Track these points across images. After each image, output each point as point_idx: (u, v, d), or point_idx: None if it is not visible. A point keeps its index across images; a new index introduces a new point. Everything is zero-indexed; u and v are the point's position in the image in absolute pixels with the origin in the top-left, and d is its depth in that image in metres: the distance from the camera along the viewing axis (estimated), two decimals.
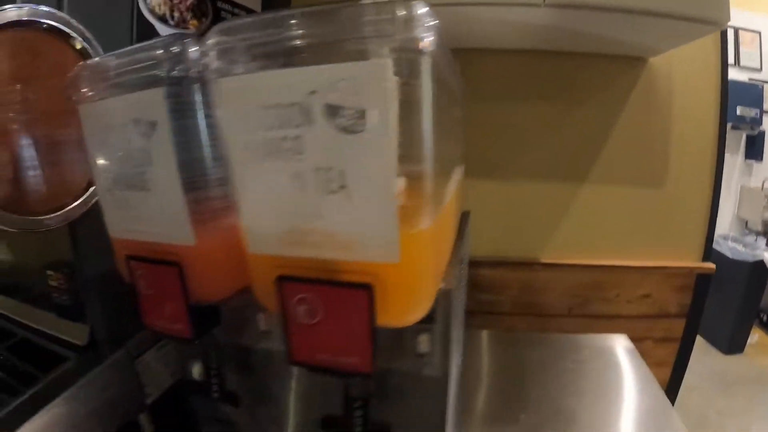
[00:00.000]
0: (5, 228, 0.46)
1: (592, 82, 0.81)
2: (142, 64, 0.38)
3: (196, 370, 0.52)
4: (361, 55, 0.30)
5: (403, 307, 0.36)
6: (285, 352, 0.38)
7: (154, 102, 0.37)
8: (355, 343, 0.36)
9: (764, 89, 2.08)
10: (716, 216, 0.78)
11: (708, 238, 0.78)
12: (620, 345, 0.73)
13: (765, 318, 2.14)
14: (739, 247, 1.88)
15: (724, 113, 0.74)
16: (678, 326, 0.82)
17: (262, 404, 0.53)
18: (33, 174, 0.49)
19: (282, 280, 0.36)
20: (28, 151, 0.48)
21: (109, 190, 0.43)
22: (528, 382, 0.65)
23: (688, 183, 0.80)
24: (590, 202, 0.86)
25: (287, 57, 0.32)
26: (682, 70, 0.79)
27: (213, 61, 0.34)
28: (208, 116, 0.38)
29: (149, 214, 0.41)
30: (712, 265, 0.79)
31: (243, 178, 0.34)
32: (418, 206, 0.33)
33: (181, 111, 0.37)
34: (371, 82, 0.30)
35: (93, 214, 0.52)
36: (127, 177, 0.41)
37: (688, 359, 0.83)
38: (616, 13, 0.64)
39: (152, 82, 0.37)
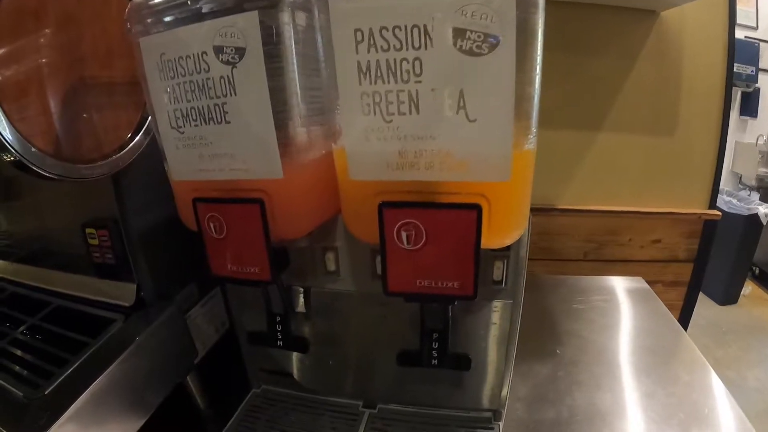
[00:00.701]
0: (52, 176, 0.44)
1: (606, 33, 0.84)
2: None
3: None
4: None
5: (506, 228, 0.39)
6: (382, 283, 0.40)
7: (246, 27, 0.36)
8: (459, 266, 0.38)
9: (760, 47, 2.19)
10: (722, 165, 0.86)
11: (714, 186, 0.87)
12: (637, 286, 0.81)
13: (757, 271, 2.30)
14: (734, 201, 1.98)
15: (731, 68, 0.82)
16: (686, 270, 0.91)
17: (326, 350, 0.54)
18: (77, 121, 0.46)
19: (385, 206, 0.37)
20: (71, 97, 0.46)
21: (176, 127, 0.42)
22: (557, 320, 0.71)
23: (696, 133, 0.88)
24: (604, 150, 0.91)
25: None
26: (691, 24, 0.84)
27: None
28: (297, 43, 0.38)
29: (229, 149, 0.40)
30: (718, 212, 0.88)
31: (351, 102, 0.35)
32: (527, 127, 0.36)
33: (273, 36, 0.37)
34: (502, 8, 0.31)
35: (138, 165, 0.50)
36: (203, 110, 0.40)
37: (695, 302, 0.93)
38: None
39: (238, 6, 0.36)
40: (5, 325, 0.57)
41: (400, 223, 0.37)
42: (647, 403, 0.57)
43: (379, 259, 0.46)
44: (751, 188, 2.13)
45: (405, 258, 0.38)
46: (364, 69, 0.34)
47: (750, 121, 2.34)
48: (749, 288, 2.22)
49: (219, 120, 0.40)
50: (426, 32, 0.32)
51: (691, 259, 0.90)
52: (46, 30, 0.44)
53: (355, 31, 0.33)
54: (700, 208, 0.90)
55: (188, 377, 0.58)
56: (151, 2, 0.40)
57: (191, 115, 0.41)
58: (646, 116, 0.89)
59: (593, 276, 0.80)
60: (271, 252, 0.42)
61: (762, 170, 2.06)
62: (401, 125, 0.34)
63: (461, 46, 0.32)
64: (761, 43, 2.19)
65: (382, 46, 0.33)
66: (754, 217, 1.78)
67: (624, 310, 0.73)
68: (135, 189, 0.52)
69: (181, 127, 0.42)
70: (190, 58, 0.39)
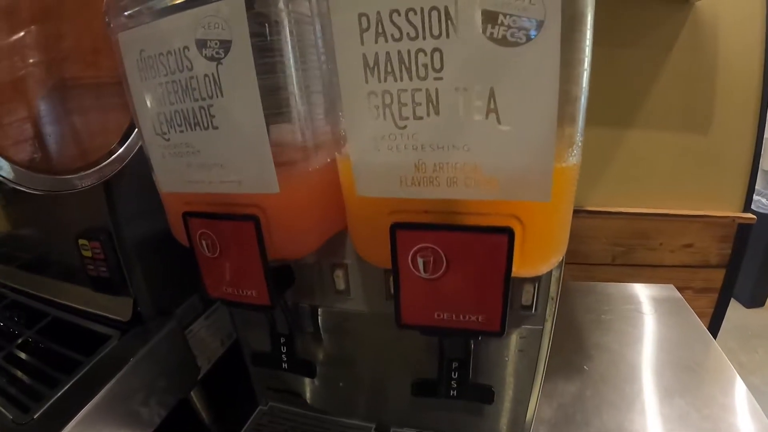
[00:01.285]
0: (31, 190, 0.37)
1: (637, 23, 0.74)
2: None
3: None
4: None
5: (541, 255, 0.31)
6: (394, 314, 0.33)
7: (231, 16, 0.28)
8: (485, 298, 0.31)
9: None
10: (758, 166, 0.76)
11: (749, 188, 0.77)
12: (668, 294, 0.72)
13: None
14: (763, 200, 1.82)
15: None
16: (717, 276, 0.81)
17: (337, 372, 0.48)
18: (59, 127, 0.39)
19: (399, 227, 0.30)
20: (52, 101, 0.39)
21: (160, 133, 0.35)
22: (584, 331, 0.63)
23: (731, 131, 0.77)
24: (635, 148, 0.81)
25: None
26: (727, 15, 0.73)
27: None
28: (292, 33, 0.30)
29: (218, 158, 0.33)
30: (753, 216, 0.78)
31: (356, 104, 0.27)
32: (572, 135, 0.27)
33: (261, 26, 0.29)
34: None
35: (130, 171, 0.43)
36: (188, 114, 0.32)
37: (726, 310, 0.83)
38: None
39: None
40: (2, 338, 0.51)
41: (416, 247, 0.29)
42: (681, 427, 0.49)
43: (391, 279, 0.39)
44: None
45: (421, 287, 0.31)
46: (371, 63, 0.26)
47: None
48: None
49: (206, 125, 0.32)
50: (448, 16, 0.24)
51: (723, 265, 0.80)
52: (23, 27, 0.37)
53: (360, 16, 0.25)
54: (734, 211, 0.79)
55: (192, 393, 0.52)
56: None
57: (176, 120, 0.33)
58: (679, 112, 0.78)
59: (622, 283, 0.71)
60: (269, 274, 0.35)
61: None
62: (418, 132, 0.26)
63: (492, 33, 0.24)
64: None
65: (393, 35, 0.25)
66: None
67: (655, 321, 0.65)
68: (128, 197, 0.45)
69: (165, 133, 0.35)
70: (171, 54, 0.31)
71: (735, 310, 1.93)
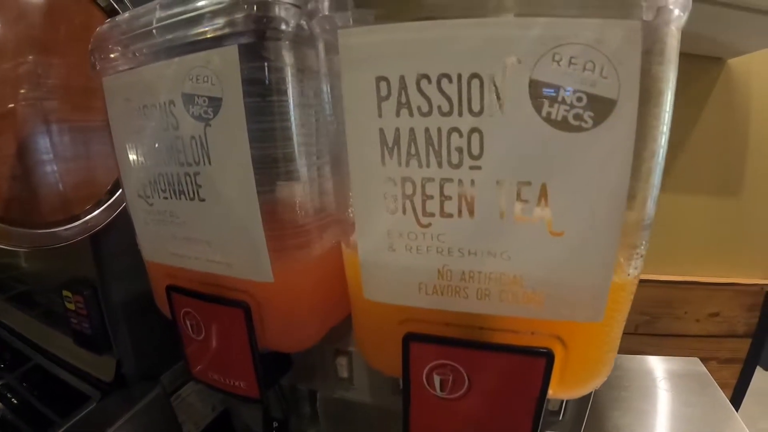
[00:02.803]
0: (12, 248, 0.31)
1: None
2: (200, 12, 0.23)
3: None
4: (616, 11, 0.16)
5: (583, 379, 0.23)
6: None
7: (222, 68, 0.22)
8: (512, 423, 0.23)
9: None
10: None
11: None
12: (693, 369, 0.63)
13: None
14: None
15: None
16: (743, 346, 0.72)
17: None
18: (45, 172, 0.33)
19: (412, 339, 0.22)
20: (33, 144, 0.32)
21: (143, 196, 0.28)
22: (603, 411, 0.54)
23: (763, 194, 0.70)
24: (661, 212, 0.71)
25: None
26: (761, 72, 0.66)
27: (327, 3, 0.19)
28: (295, 93, 0.24)
29: (204, 234, 0.26)
30: None
31: (368, 190, 0.20)
32: (636, 243, 0.20)
33: (259, 83, 0.22)
34: (621, 50, 0.16)
35: (121, 223, 0.36)
36: (172, 179, 0.26)
37: (750, 381, 0.74)
38: (713, 5, 0.52)
39: (216, 40, 0.22)
40: None
41: (433, 363, 0.22)
42: None
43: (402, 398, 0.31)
44: None
45: (436, 407, 0.23)
46: (391, 142, 0.19)
47: None
48: None
49: (191, 195, 0.25)
50: (494, 87, 0.17)
51: (750, 334, 0.71)
52: (5, 59, 0.32)
53: (378, 80, 0.18)
54: (763, 278, 0.70)
55: None
56: (117, 28, 0.27)
57: (160, 184, 0.27)
58: (710, 173, 0.70)
59: (644, 355, 0.63)
60: (259, 367, 0.27)
61: None
62: (445, 232, 0.19)
63: (550, 113, 0.17)
64: None
65: (420, 108, 0.18)
66: None
67: (680, 400, 0.56)
68: (116, 251, 0.38)
69: (149, 197, 0.28)
70: (156, 107, 0.25)
71: (755, 374, 1.74)
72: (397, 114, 0.18)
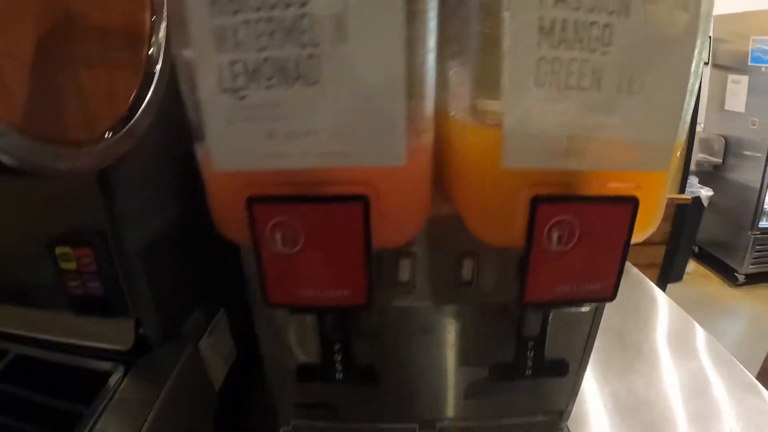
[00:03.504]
0: (31, 168, 0.29)
1: None
2: None
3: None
4: None
5: (650, 221, 0.37)
6: (518, 294, 0.35)
7: None
8: (604, 266, 0.36)
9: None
10: (692, 153, 0.99)
11: (684, 173, 1.00)
12: (629, 271, 0.89)
13: (697, 249, 2.66)
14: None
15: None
16: (659, 252, 1.03)
17: (394, 372, 0.47)
18: (66, 80, 0.31)
19: (539, 200, 0.33)
20: (60, 43, 0.30)
21: (232, 89, 0.31)
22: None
23: None
24: None
25: None
26: None
27: None
28: None
29: (322, 123, 0.31)
30: (688, 197, 1.01)
31: (522, 69, 0.29)
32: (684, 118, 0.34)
33: None
34: None
35: (134, 155, 0.36)
36: (286, 64, 0.29)
37: (667, 282, 1.06)
38: None
39: None
40: None
41: (554, 220, 0.33)
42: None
43: (466, 263, 0.42)
44: (691, 172, 2.47)
45: (551, 262, 0.34)
46: (547, 28, 0.28)
47: None
48: (692, 266, 2.57)
49: (313, 79, 0.30)
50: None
51: (664, 242, 1.03)
52: None
53: None
54: (673, 194, 1.02)
55: None
56: None
57: (264, 72, 0.30)
58: None
59: None
60: (369, 268, 0.34)
61: (700, 155, 2.38)
62: (580, 102, 0.30)
63: (655, 21, 0.29)
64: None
65: (572, 4, 0.28)
66: (697, 200, 2.00)
67: (627, 295, 0.82)
68: (129, 189, 0.38)
69: (242, 89, 0.31)
70: None
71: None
72: (555, 5, 0.28)
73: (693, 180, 2.18)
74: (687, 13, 0.29)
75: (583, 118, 0.30)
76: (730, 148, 2.32)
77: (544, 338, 0.43)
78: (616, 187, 0.33)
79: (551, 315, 0.42)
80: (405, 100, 0.30)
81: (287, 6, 0.28)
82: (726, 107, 2.26)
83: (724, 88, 2.25)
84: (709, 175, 2.38)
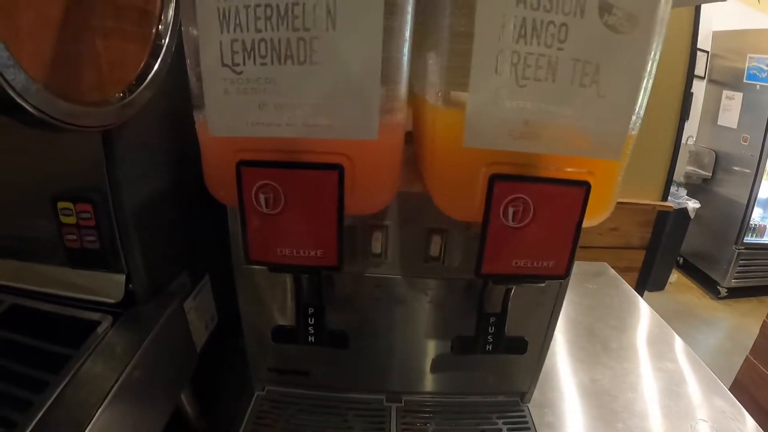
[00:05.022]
0: (53, 121, 0.33)
1: None
2: None
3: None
4: None
5: (603, 207, 0.41)
6: (476, 263, 0.39)
7: None
8: (557, 245, 0.40)
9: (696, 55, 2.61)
10: (676, 163, 1.05)
11: (667, 181, 1.05)
12: (607, 272, 0.94)
13: (682, 260, 2.78)
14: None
15: (691, 78, 0.99)
16: (638, 257, 1.09)
17: (356, 341, 0.51)
18: (86, 45, 0.35)
19: (496, 178, 0.37)
20: (81, 11, 0.35)
21: (230, 64, 0.35)
22: None
23: (656, 130, 1.04)
24: None
25: None
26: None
27: None
28: None
29: (309, 98, 0.35)
30: (670, 204, 1.07)
31: (486, 59, 0.33)
32: (638, 110, 0.39)
33: None
34: None
35: (137, 120, 0.40)
36: (278, 45, 0.34)
37: (645, 287, 1.11)
38: None
39: None
40: None
41: (510, 197, 0.37)
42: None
43: (434, 240, 0.47)
44: (680, 184, 2.50)
45: (507, 236, 0.39)
46: (510, 25, 0.33)
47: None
48: (675, 276, 2.67)
49: (302, 59, 0.34)
50: (578, 2, 0.33)
51: (643, 247, 1.08)
52: None
53: None
54: (656, 200, 1.08)
55: None
56: None
57: (259, 50, 0.34)
58: None
59: None
60: (342, 232, 0.38)
61: (690, 168, 2.48)
62: (535, 92, 0.35)
63: (607, 21, 0.34)
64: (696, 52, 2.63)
65: (532, 4, 0.33)
66: (683, 211, 2.15)
67: (603, 295, 0.86)
68: (131, 151, 0.42)
69: (238, 64, 0.35)
70: None
71: None
72: (516, 5, 0.33)
73: (681, 192, 2.26)
74: (640, 18, 0.33)
75: (538, 105, 0.35)
76: (720, 162, 2.40)
77: (505, 315, 0.47)
78: (570, 171, 0.38)
79: (512, 293, 0.46)
80: (379, 82, 0.34)
81: None
82: (719, 122, 2.33)
83: (718, 104, 2.32)
84: (697, 188, 2.45)
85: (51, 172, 0.44)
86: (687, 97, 1.04)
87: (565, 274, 0.40)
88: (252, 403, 0.53)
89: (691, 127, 2.60)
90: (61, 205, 0.43)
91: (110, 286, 0.45)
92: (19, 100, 0.30)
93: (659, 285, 2.46)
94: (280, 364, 0.53)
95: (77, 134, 0.37)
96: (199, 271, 0.53)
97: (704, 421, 0.60)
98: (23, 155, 0.44)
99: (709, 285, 2.58)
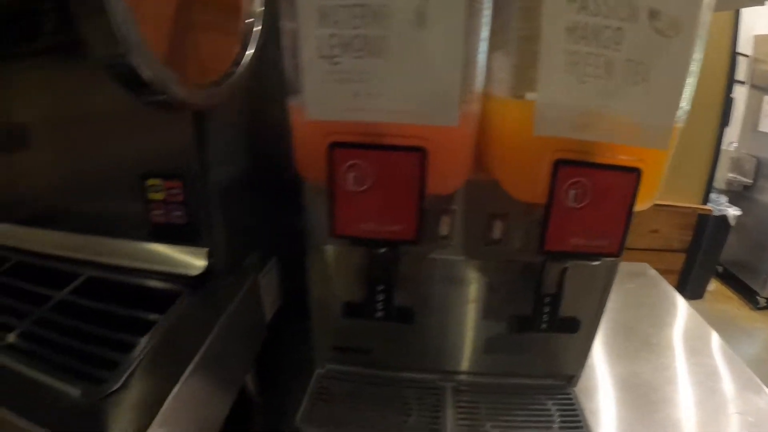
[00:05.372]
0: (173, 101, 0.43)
1: None
2: None
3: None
4: None
5: (650, 194, 0.52)
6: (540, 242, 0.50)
7: None
8: (612, 225, 0.51)
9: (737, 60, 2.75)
10: (716, 166, 1.16)
11: (708, 184, 1.17)
12: (648, 272, 1.05)
13: (721, 269, 2.92)
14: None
15: (731, 83, 1.11)
16: (678, 260, 1.19)
17: (424, 321, 0.61)
18: (193, 36, 0.46)
19: (561, 163, 0.48)
20: (188, 8, 0.46)
21: (328, 56, 0.46)
22: None
23: (695, 135, 1.16)
24: None
25: None
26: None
27: None
28: None
29: (397, 88, 0.46)
30: (709, 207, 1.18)
31: (553, 58, 0.45)
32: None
33: None
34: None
35: (227, 106, 0.51)
36: (372, 41, 0.45)
37: (685, 290, 1.22)
38: None
39: None
40: (21, 303, 0.52)
41: (572, 180, 0.48)
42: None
43: (496, 224, 0.57)
44: (721, 191, 2.62)
45: (568, 216, 0.49)
46: (572, 29, 0.44)
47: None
48: (714, 285, 2.80)
49: (394, 53, 0.45)
50: (633, 6, 0.44)
51: (684, 249, 1.19)
52: None
53: None
54: (696, 203, 1.19)
55: None
56: None
57: (354, 45, 0.46)
58: None
59: None
60: (421, 209, 0.49)
61: (731, 175, 2.63)
62: (594, 88, 0.46)
63: (655, 25, 0.45)
64: (738, 56, 2.78)
65: (592, 11, 0.44)
66: (723, 219, 2.26)
67: (644, 294, 0.97)
68: (219, 133, 0.53)
69: (336, 56, 0.46)
70: None
71: None
72: (578, 13, 0.44)
73: (722, 199, 2.38)
74: (683, 23, 0.44)
75: (596, 100, 0.46)
76: (762, 169, 2.53)
77: (560, 295, 0.58)
78: (624, 159, 0.49)
79: (567, 272, 0.57)
80: (460, 75, 0.45)
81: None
82: (760, 128, 2.46)
83: (759, 109, 2.46)
84: (738, 195, 2.58)
85: (140, 152, 0.55)
86: (727, 102, 1.16)
87: (618, 253, 0.51)
88: (312, 380, 0.63)
89: (732, 133, 2.73)
90: (150, 182, 0.53)
91: (191, 260, 0.55)
92: (146, 79, 0.40)
93: (698, 293, 2.56)
94: (342, 342, 0.64)
95: (171, 115, 0.48)
96: (268, 253, 0.63)
97: (740, 414, 0.70)
98: (114, 136, 0.55)
99: (748, 295, 2.71)
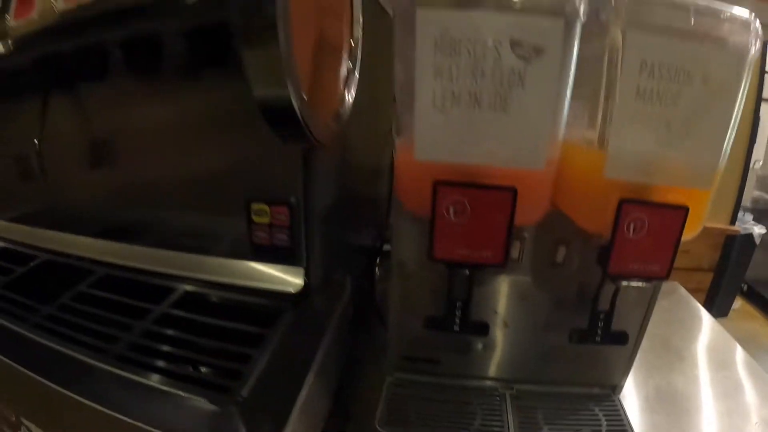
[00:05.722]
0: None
1: None
2: None
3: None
4: None
5: (695, 226, 0.69)
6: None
7: (551, 30, 0.60)
8: (662, 253, 0.68)
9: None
10: (744, 186, 1.35)
11: (736, 205, 1.35)
12: (678, 290, 1.24)
13: (746, 287, 3.18)
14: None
15: (759, 101, 1.30)
16: (706, 279, 1.38)
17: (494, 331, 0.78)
18: (322, 77, 0.63)
19: (625, 202, 0.65)
20: (318, 53, 0.62)
21: (440, 107, 0.62)
22: None
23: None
24: None
25: None
26: None
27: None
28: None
29: (498, 136, 0.63)
30: (738, 228, 1.37)
31: (623, 114, 0.62)
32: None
33: (566, 45, 0.61)
34: None
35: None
36: (479, 96, 0.62)
37: (712, 308, 1.40)
38: None
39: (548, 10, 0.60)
40: (119, 315, 0.64)
41: (632, 216, 0.66)
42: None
43: (560, 249, 0.75)
44: (746, 209, 2.85)
45: (628, 245, 0.67)
46: (641, 91, 0.62)
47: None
48: (738, 303, 3.04)
49: (496, 108, 0.62)
50: (688, 75, 0.62)
51: (712, 269, 1.38)
52: None
53: (642, 62, 0.61)
54: (726, 224, 1.38)
55: None
56: None
57: (464, 98, 0.62)
58: None
59: None
60: (510, 237, 0.66)
61: (757, 193, 2.81)
62: (656, 139, 0.63)
63: (708, 88, 0.63)
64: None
65: (658, 76, 0.62)
66: (749, 237, 2.43)
67: (675, 310, 1.17)
68: (322, 164, 0.68)
69: (446, 107, 0.63)
70: (480, 43, 0.61)
71: None
72: (648, 78, 0.61)
73: (747, 217, 2.61)
74: (730, 85, 0.62)
75: (656, 149, 0.63)
76: None
77: (613, 311, 0.75)
78: (674, 197, 0.66)
79: (619, 293, 0.74)
80: (550, 127, 0.62)
81: (485, 58, 0.61)
82: None
83: None
84: (764, 213, 2.82)
85: (246, 178, 0.70)
86: (755, 121, 1.36)
87: (666, 276, 0.69)
88: (384, 387, 0.79)
89: (758, 152, 2.97)
90: (255, 206, 0.68)
91: (288, 278, 0.70)
92: (301, 119, 0.56)
93: (723, 311, 2.80)
94: (412, 352, 0.80)
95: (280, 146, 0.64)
96: (346, 271, 0.80)
97: (764, 422, 0.88)
98: (221, 163, 0.71)
99: None
